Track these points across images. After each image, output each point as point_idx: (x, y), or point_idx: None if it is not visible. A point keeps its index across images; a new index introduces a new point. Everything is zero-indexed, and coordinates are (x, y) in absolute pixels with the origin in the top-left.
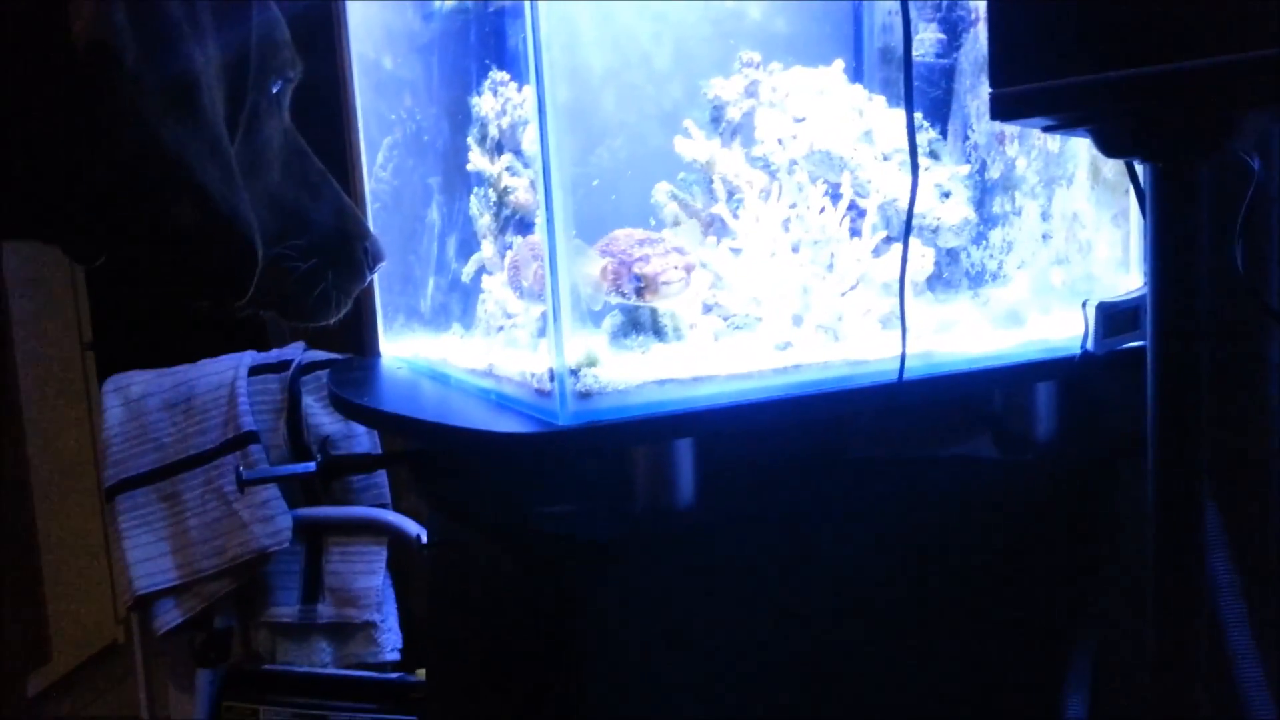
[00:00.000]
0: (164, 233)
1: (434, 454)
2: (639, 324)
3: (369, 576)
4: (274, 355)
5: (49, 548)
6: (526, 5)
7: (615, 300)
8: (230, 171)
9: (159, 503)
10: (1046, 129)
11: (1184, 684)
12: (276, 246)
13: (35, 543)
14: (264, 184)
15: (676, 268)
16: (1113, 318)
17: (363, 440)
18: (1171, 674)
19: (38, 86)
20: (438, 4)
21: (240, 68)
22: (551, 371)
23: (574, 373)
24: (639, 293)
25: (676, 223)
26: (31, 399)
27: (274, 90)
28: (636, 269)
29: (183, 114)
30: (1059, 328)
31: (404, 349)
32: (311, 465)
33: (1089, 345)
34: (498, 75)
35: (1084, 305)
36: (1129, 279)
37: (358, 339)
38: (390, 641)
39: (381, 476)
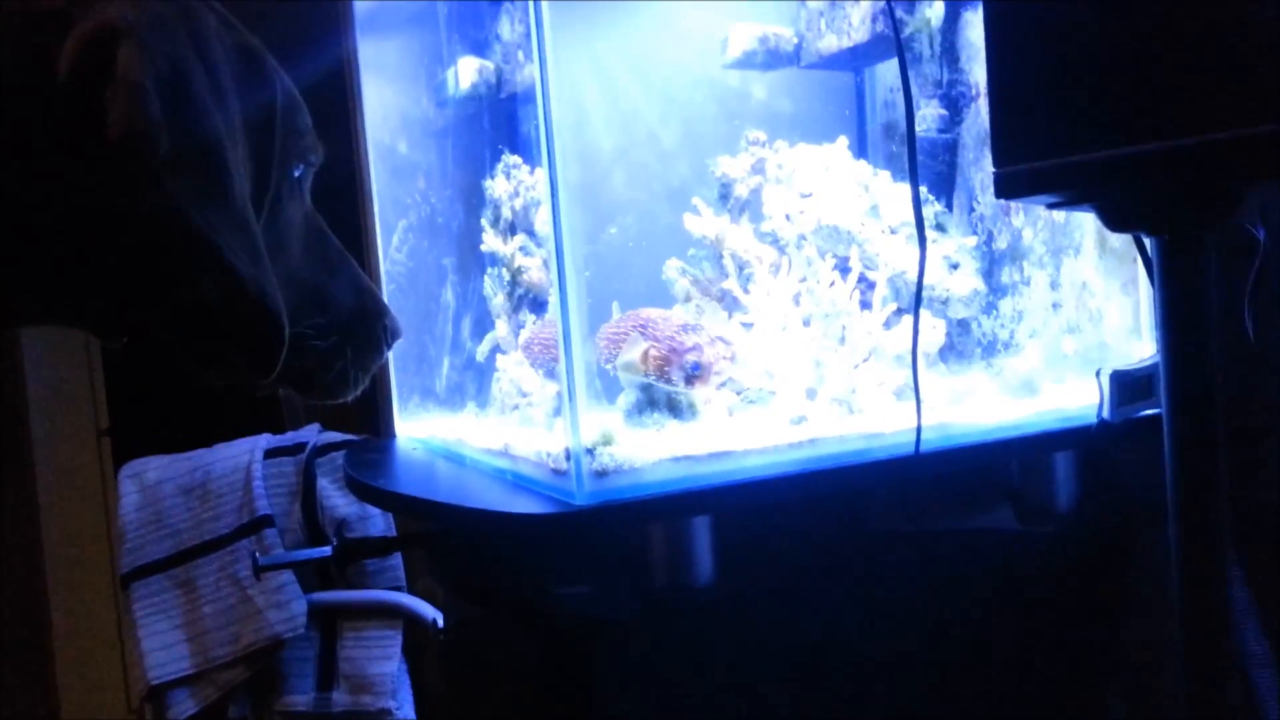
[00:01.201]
0: (194, 314)
1: (451, 536)
2: (654, 401)
3: (384, 662)
4: (289, 438)
5: (62, 636)
6: (538, 91)
7: (662, 386)
8: (259, 253)
9: (174, 590)
10: (1051, 206)
11: None
12: (297, 325)
13: (49, 631)
14: (286, 264)
15: (725, 359)
16: (1128, 386)
17: (378, 522)
18: None
19: (69, 175)
20: (452, 92)
21: (265, 153)
22: (568, 451)
23: (590, 451)
24: (689, 381)
25: (688, 298)
26: (48, 486)
27: (295, 175)
28: (691, 358)
29: (214, 200)
30: (1074, 396)
31: (419, 429)
32: (327, 550)
33: (1105, 414)
34: (510, 159)
35: (1098, 374)
36: (1142, 346)
37: (373, 419)
38: None
39: (396, 559)
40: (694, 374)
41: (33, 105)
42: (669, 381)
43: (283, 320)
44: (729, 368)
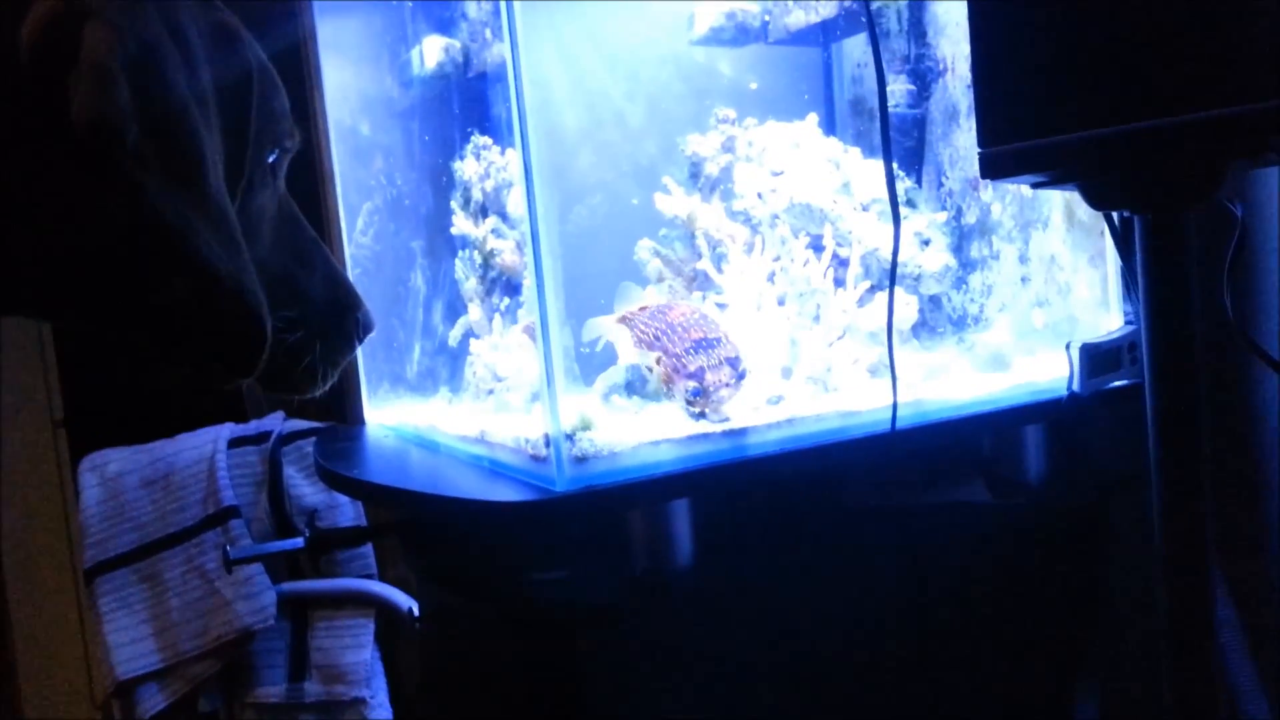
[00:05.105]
0: (168, 313)
1: (426, 525)
2: (630, 384)
3: (357, 651)
4: (253, 427)
5: (22, 632)
6: (510, 71)
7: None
8: (237, 247)
9: (139, 583)
10: (1035, 185)
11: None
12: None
13: (8, 628)
14: (257, 254)
15: (728, 385)
16: (1097, 358)
17: (347, 510)
18: (1191, 709)
19: (32, 165)
20: (417, 71)
21: (240, 138)
22: (547, 437)
23: (570, 437)
24: (688, 403)
25: (660, 279)
26: (4, 479)
27: (270, 160)
28: (691, 385)
29: (188, 191)
30: (1044, 369)
31: (389, 416)
32: (300, 541)
33: (1075, 386)
34: (480, 140)
35: (1068, 347)
36: (1110, 319)
37: (339, 406)
38: (381, 717)
39: (368, 547)
40: (693, 399)
41: None
42: (670, 396)
43: (264, 319)
44: (729, 394)
